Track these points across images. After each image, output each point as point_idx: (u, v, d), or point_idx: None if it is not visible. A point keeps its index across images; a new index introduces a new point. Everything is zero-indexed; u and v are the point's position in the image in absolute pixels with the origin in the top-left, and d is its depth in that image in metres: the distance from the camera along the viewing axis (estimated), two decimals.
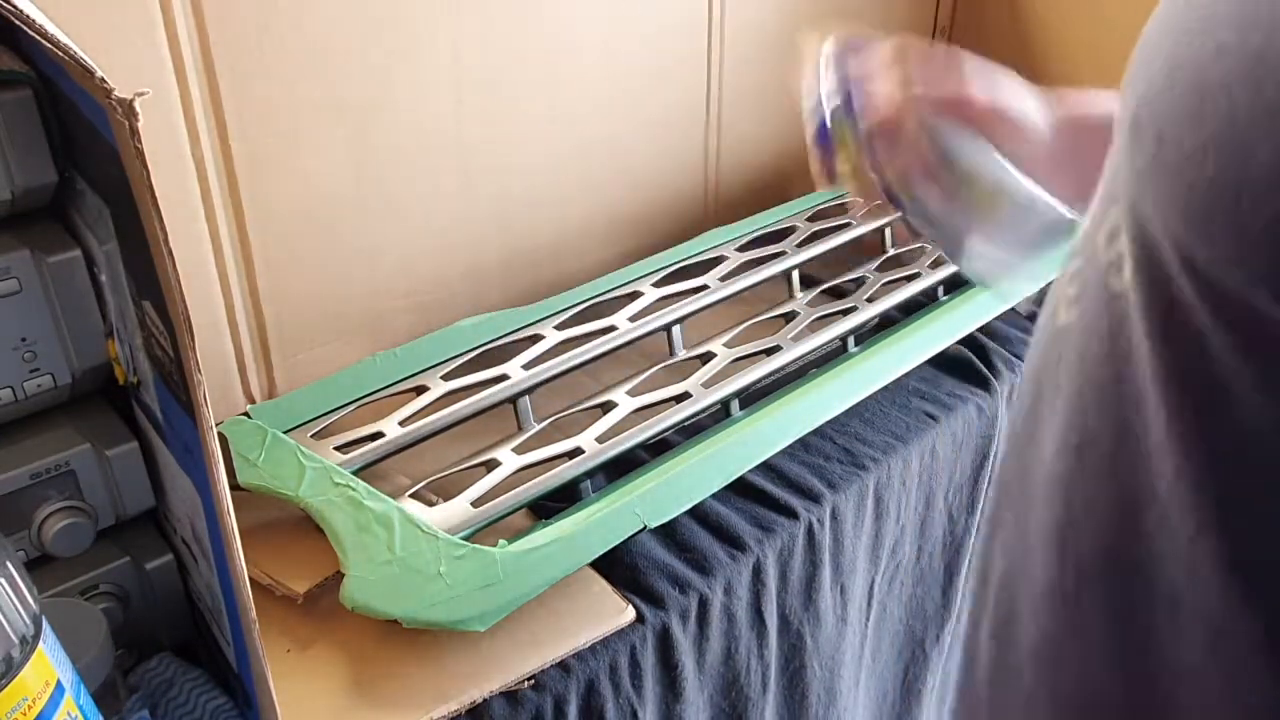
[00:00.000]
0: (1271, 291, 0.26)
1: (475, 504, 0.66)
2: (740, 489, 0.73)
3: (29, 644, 0.40)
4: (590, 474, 0.71)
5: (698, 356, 0.81)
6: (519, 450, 0.71)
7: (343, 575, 0.59)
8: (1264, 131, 0.25)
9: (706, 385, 0.78)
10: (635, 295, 0.84)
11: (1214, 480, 0.30)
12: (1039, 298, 0.56)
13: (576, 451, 0.71)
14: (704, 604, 0.66)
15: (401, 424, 0.71)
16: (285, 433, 0.68)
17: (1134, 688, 0.34)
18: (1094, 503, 0.34)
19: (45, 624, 0.41)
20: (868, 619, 0.84)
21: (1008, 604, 0.40)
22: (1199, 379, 0.29)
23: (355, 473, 0.66)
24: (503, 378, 0.75)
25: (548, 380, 0.76)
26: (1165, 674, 0.33)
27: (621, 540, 0.64)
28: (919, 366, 0.84)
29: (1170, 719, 0.33)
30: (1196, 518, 0.30)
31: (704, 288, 0.86)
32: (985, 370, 0.88)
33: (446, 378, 0.75)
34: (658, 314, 0.82)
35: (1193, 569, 0.31)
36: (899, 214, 0.59)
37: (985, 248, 0.57)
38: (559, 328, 0.80)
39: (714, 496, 0.70)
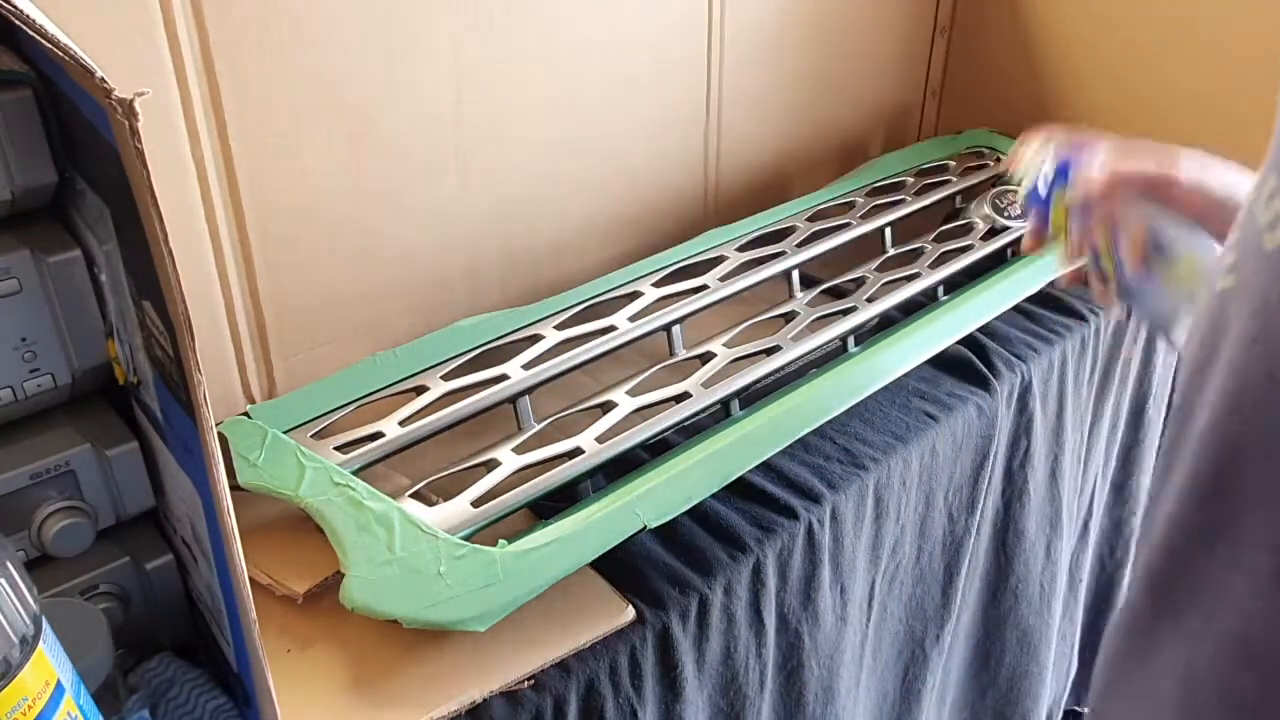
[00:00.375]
0: None
1: (475, 504, 0.66)
2: (740, 489, 0.73)
3: (29, 644, 0.40)
4: (590, 474, 0.71)
5: (698, 356, 0.81)
6: (519, 450, 0.71)
7: (343, 575, 0.59)
8: None
9: (706, 385, 0.78)
10: (635, 295, 0.84)
11: None
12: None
13: (576, 451, 0.71)
14: (704, 604, 0.66)
15: (401, 424, 0.71)
16: (285, 433, 0.68)
17: None
18: (1244, 445, 0.37)
19: (45, 624, 0.41)
20: (868, 619, 0.84)
21: (1168, 549, 0.42)
22: None
23: (355, 473, 0.66)
24: (502, 378, 0.75)
25: (548, 380, 0.76)
26: None
27: (621, 540, 0.64)
28: (919, 366, 0.84)
29: None
30: None
31: (704, 288, 0.86)
32: (985, 370, 0.88)
33: (446, 378, 0.75)
34: (658, 314, 0.82)
35: None
36: (1101, 282, 0.64)
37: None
38: (559, 328, 0.80)
39: (714, 496, 0.70)
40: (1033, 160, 0.68)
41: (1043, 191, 0.67)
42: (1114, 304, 0.66)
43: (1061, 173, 0.66)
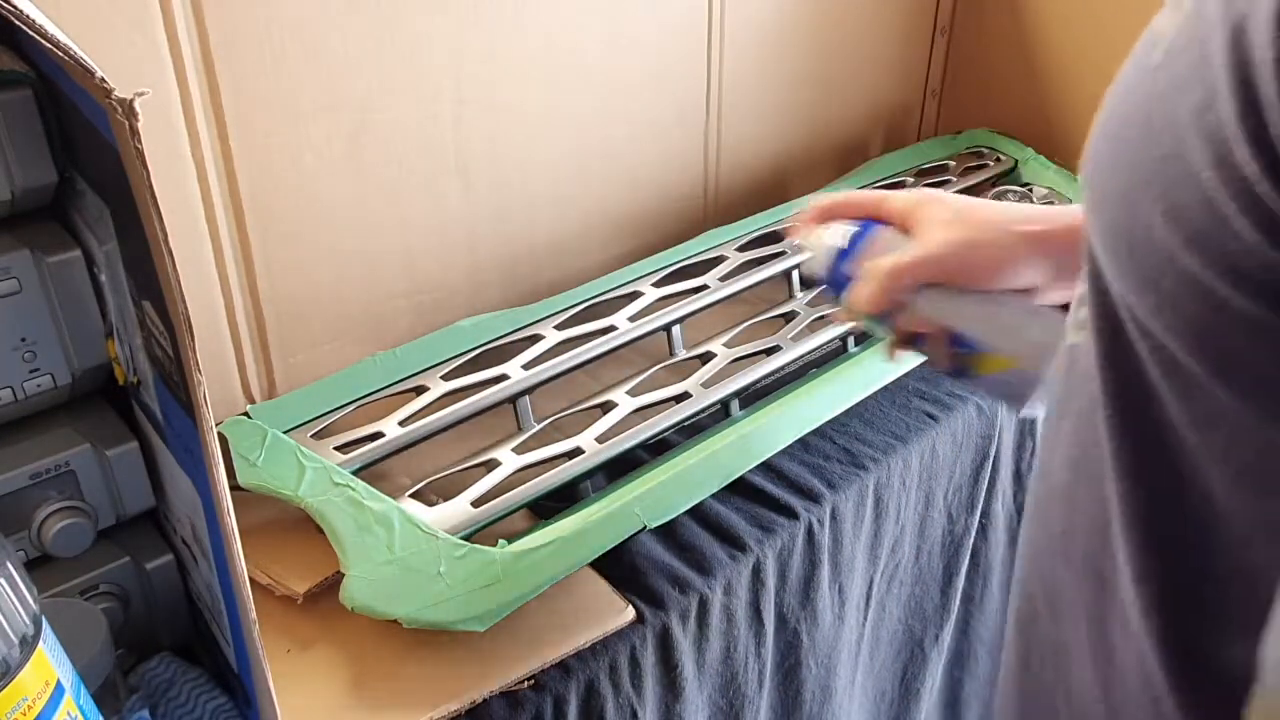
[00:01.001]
0: (1151, 308, 0.29)
1: (475, 504, 0.66)
2: (740, 489, 0.73)
3: (29, 644, 0.40)
4: (590, 474, 0.71)
5: (698, 356, 0.81)
6: (519, 450, 0.71)
7: (343, 575, 0.59)
8: (1142, 187, 0.28)
9: (706, 385, 0.78)
10: (635, 295, 0.84)
11: (1140, 511, 0.32)
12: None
13: (576, 451, 0.71)
14: (704, 604, 0.66)
15: (401, 424, 0.71)
16: (285, 433, 0.68)
17: (1108, 688, 0.36)
18: (1084, 512, 0.36)
19: (45, 624, 0.41)
20: (866, 618, 0.84)
21: (1029, 606, 0.42)
22: (1130, 386, 0.31)
23: (355, 473, 0.66)
24: (503, 378, 0.75)
25: (548, 380, 0.76)
26: (1118, 679, 0.35)
27: (621, 540, 0.64)
28: (919, 366, 0.84)
29: None
30: (1125, 534, 0.32)
31: (704, 288, 0.86)
32: None
33: (446, 378, 0.75)
34: (658, 314, 0.82)
35: (1123, 581, 0.33)
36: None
37: (1003, 378, 0.57)
38: (559, 328, 0.80)
39: (714, 496, 0.70)
40: (819, 238, 0.62)
41: (835, 270, 0.61)
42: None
43: (848, 250, 0.61)
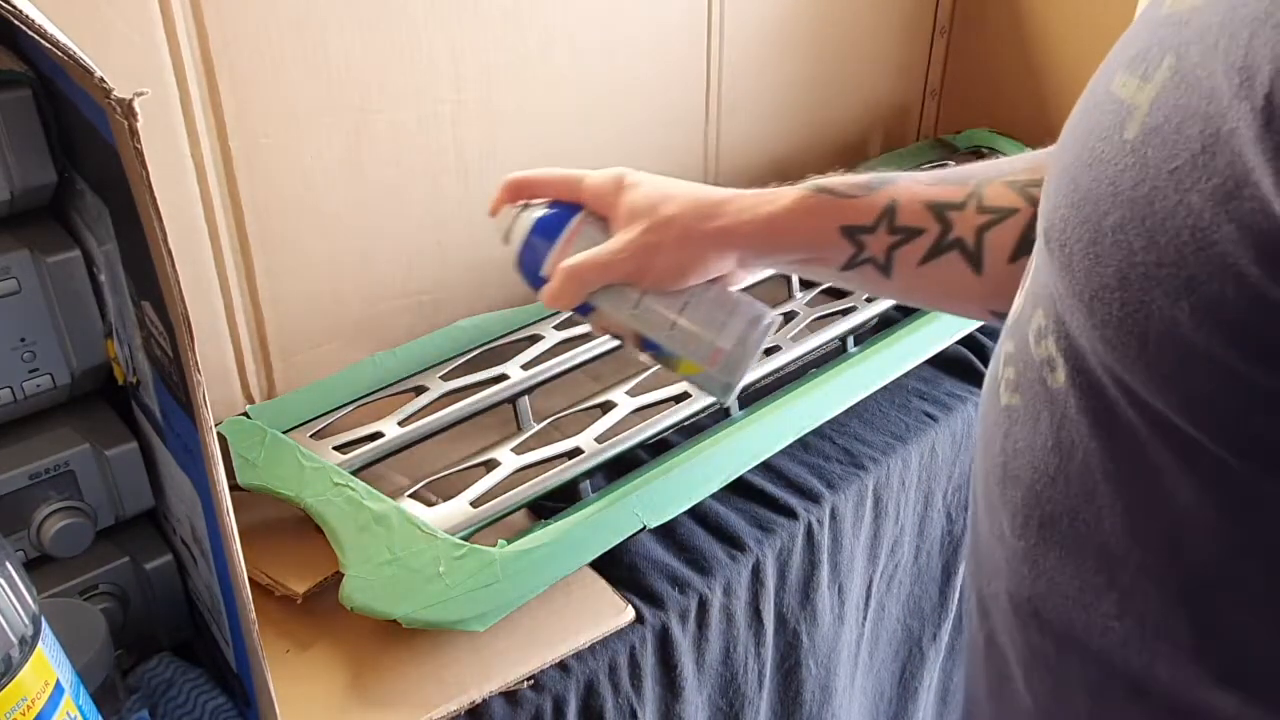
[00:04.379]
0: (1172, 403, 0.27)
1: (475, 504, 0.66)
2: (740, 489, 0.73)
3: (28, 644, 0.40)
4: (590, 474, 0.71)
5: None
6: (518, 450, 0.71)
7: (342, 575, 0.59)
8: (1155, 281, 0.26)
9: None
10: None
11: (1166, 561, 0.30)
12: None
13: (576, 451, 0.71)
14: (703, 604, 0.66)
15: (401, 424, 0.71)
16: (285, 433, 0.68)
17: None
18: (1057, 579, 0.34)
19: (44, 624, 0.41)
20: (865, 618, 0.84)
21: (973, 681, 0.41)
22: (1141, 472, 0.30)
23: (355, 473, 0.66)
24: (502, 378, 0.75)
25: (547, 380, 0.76)
26: None
27: (621, 540, 0.64)
28: (918, 366, 0.84)
29: None
30: (1160, 595, 0.30)
31: None
32: (985, 370, 0.88)
33: (446, 378, 0.75)
34: None
35: (1159, 636, 0.31)
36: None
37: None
38: (558, 327, 0.80)
39: (714, 496, 0.70)
40: (515, 221, 0.60)
41: (526, 258, 0.59)
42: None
43: (546, 229, 0.59)
